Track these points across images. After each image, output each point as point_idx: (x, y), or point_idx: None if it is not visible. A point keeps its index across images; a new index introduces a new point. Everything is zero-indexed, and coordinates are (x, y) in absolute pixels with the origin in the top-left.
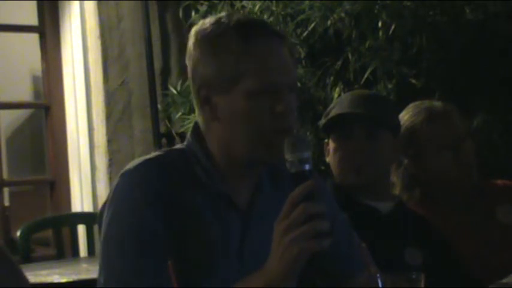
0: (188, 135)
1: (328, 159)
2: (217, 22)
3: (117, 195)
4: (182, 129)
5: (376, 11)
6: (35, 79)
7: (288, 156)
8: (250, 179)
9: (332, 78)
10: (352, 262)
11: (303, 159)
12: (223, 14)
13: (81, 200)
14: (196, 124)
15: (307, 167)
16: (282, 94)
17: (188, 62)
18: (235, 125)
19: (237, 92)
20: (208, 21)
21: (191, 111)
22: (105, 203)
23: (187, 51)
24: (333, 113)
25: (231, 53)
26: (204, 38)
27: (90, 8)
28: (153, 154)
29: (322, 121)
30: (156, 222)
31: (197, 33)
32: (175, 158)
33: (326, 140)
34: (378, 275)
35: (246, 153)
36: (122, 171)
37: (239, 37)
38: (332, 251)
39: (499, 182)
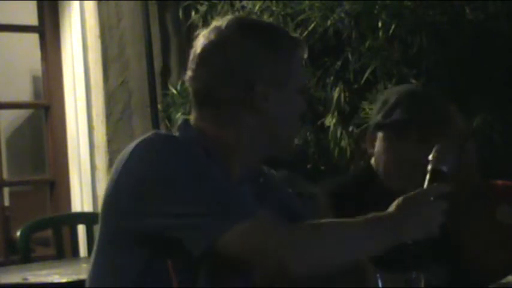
0: (178, 130)
1: (371, 152)
2: (255, 20)
3: (161, 144)
4: None
5: (376, 11)
6: (34, 79)
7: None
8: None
9: (332, 78)
10: None
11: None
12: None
13: (81, 200)
14: (187, 121)
15: None
16: (304, 96)
17: (225, 54)
18: (281, 121)
19: (288, 89)
20: (242, 18)
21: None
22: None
23: (224, 43)
24: (400, 115)
25: (283, 51)
26: (259, 34)
27: (90, 7)
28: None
29: (379, 118)
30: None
31: (250, 28)
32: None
33: (369, 133)
34: (378, 275)
35: (282, 147)
36: (147, 142)
37: (289, 37)
38: None
39: (499, 182)
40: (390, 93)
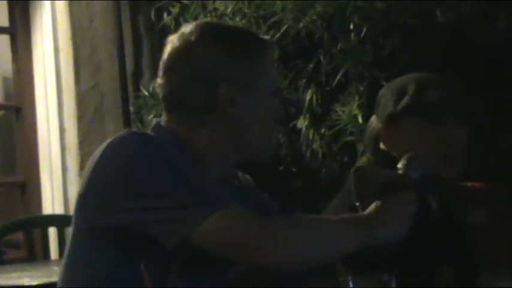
0: (151, 130)
1: (389, 144)
2: (221, 24)
3: (137, 143)
4: None
5: (348, 14)
6: (5, 80)
7: None
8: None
9: (304, 80)
10: None
11: None
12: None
13: (52, 202)
14: (159, 123)
15: None
16: (279, 98)
17: (190, 60)
18: (253, 124)
19: (258, 92)
20: (206, 23)
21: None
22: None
23: (189, 49)
24: (432, 95)
25: (250, 54)
26: (224, 38)
27: (62, 9)
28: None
29: (407, 103)
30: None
31: (214, 32)
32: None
33: (387, 123)
34: (349, 277)
35: (257, 150)
36: (123, 135)
37: (252, 39)
38: None
39: (469, 184)
40: (404, 80)
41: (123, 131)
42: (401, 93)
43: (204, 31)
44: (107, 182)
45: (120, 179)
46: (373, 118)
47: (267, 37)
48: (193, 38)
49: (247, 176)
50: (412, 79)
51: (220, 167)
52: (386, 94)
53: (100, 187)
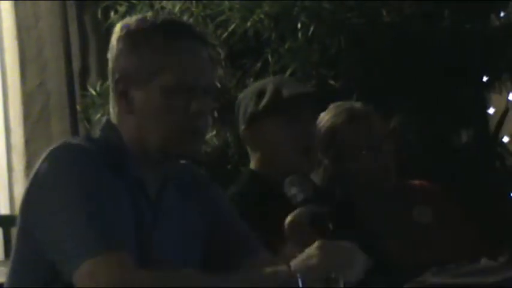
0: (100, 130)
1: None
2: (143, 19)
3: (59, 167)
4: None
5: (295, 13)
6: None
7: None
8: (160, 173)
9: (252, 79)
10: (240, 244)
11: None
12: (149, 13)
13: None
14: (108, 120)
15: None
16: (197, 95)
17: (110, 56)
18: (149, 119)
19: (153, 88)
20: (135, 18)
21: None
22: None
23: (110, 45)
24: (288, 92)
25: (152, 49)
26: (127, 33)
27: (7, 7)
28: (70, 140)
29: (267, 99)
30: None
31: (121, 28)
32: (93, 146)
33: (243, 127)
34: (298, 275)
35: (158, 147)
36: (49, 152)
37: (161, 34)
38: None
39: (417, 182)
40: (263, 83)
41: (61, 141)
42: (260, 94)
43: (123, 26)
44: (30, 195)
45: (37, 196)
46: (323, 115)
47: (190, 32)
48: (114, 33)
49: (201, 171)
50: (270, 81)
51: (159, 161)
52: (245, 98)
53: (26, 201)
